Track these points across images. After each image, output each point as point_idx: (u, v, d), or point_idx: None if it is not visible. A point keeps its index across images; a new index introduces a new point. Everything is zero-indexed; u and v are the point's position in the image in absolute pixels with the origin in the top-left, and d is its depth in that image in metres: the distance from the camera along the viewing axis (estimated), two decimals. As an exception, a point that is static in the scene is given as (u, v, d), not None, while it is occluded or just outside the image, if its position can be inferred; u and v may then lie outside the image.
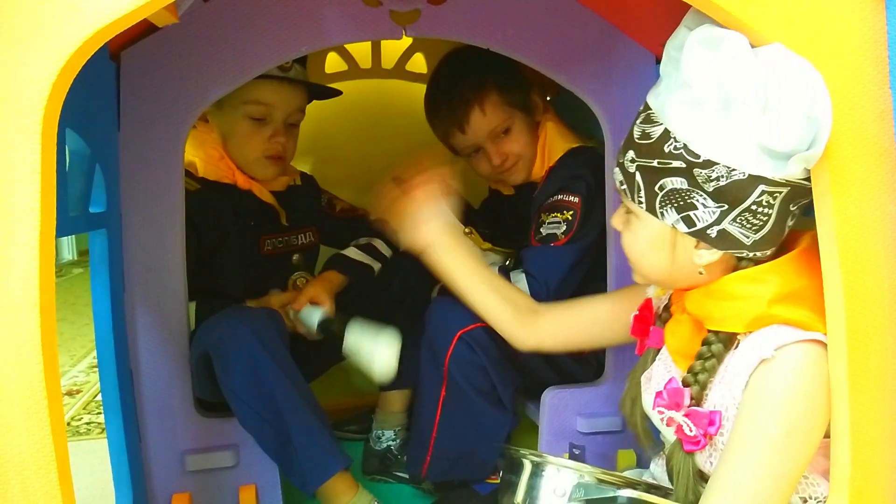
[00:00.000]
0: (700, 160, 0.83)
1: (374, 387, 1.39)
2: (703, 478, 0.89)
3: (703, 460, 0.89)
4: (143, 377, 1.26)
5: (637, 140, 0.89)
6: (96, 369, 1.25)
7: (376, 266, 1.59)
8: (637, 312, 1.07)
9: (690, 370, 0.91)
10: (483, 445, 1.40)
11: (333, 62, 1.78)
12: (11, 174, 0.62)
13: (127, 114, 1.20)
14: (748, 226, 0.85)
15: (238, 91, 1.38)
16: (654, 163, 0.87)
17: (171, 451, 1.29)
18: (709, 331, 0.90)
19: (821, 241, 0.80)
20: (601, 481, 0.89)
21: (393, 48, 1.83)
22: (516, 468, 0.94)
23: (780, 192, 0.83)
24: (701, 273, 0.90)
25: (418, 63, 1.86)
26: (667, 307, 1.02)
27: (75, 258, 5.83)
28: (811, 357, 0.81)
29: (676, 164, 0.85)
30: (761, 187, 0.82)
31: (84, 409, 2.26)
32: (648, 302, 1.06)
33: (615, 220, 0.99)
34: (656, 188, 0.87)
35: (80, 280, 4.70)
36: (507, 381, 1.40)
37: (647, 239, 0.92)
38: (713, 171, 0.83)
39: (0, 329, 0.63)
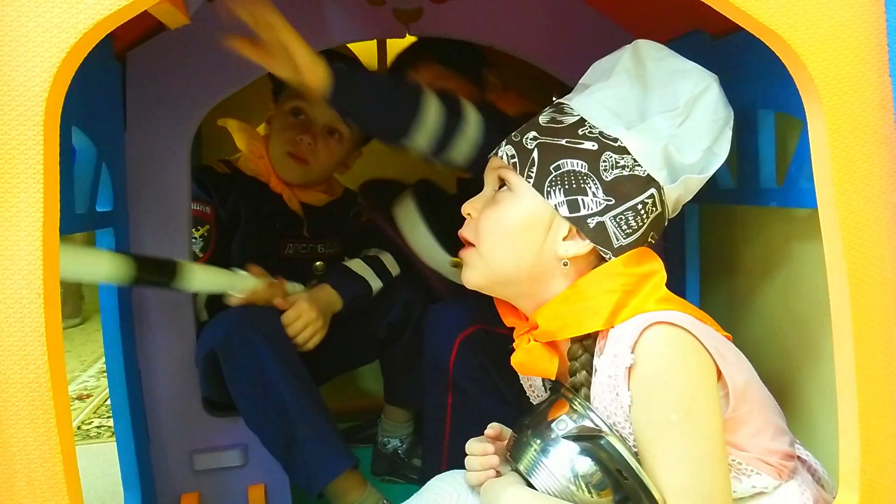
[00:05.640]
0: (616, 144, 0.89)
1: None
2: None
3: None
4: (151, 377, 1.27)
5: (543, 124, 0.93)
6: (106, 374, 1.26)
7: (376, 284, 1.52)
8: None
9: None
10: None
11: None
12: (14, 166, 0.62)
13: (133, 114, 1.21)
14: (624, 227, 0.89)
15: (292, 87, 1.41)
16: (562, 141, 0.90)
17: (180, 450, 1.30)
18: (571, 344, 0.89)
19: (823, 231, 0.79)
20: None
21: (399, 49, 1.82)
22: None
23: (657, 210, 0.90)
24: (565, 265, 0.90)
25: (423, 64, 1.85)
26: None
27: (86, 266, 5.85)
28: (663, 337, 0.81)
29: (588, 145, 0.89)
30: (651, 191, 0.89)
31: (94, 412, 2.27)
32: None
33: (469, 206, 0.97)
34: (552, 167, 0.89)
35: (91, 287, 4.71)
36: (511, 378, 1.38)
37: (520, 216, 0.91)
38: (623, 158, 0.89)
39: (4, 321, 0.63)
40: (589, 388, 0.87)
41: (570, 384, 0.89)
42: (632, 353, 0.81)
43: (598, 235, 0.89)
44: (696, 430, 0.79)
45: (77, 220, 1.02)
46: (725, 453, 0.82)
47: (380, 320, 1.53)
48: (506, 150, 0.94)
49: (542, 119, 0.94)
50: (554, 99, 0.97)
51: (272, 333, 1.27)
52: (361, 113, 1.14)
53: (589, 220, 0.88)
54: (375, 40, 1.82)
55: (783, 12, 0.75)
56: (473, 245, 0.95)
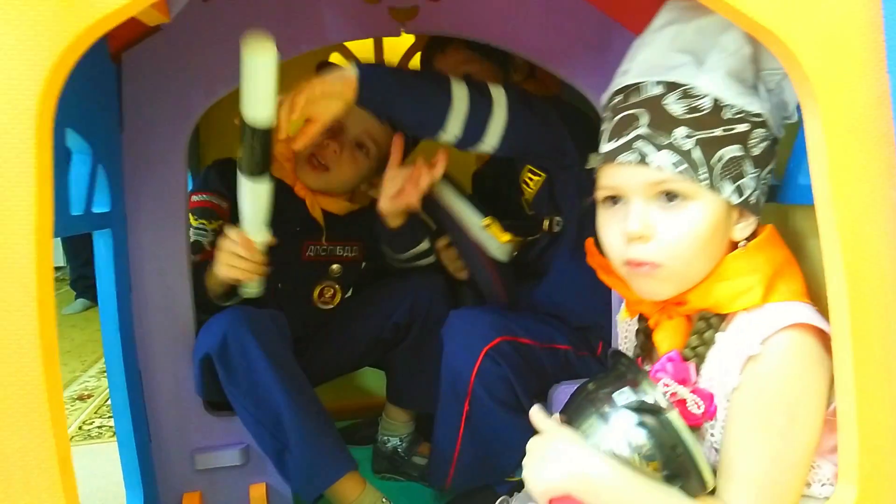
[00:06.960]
0: (760, 119, 0.86)
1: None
2: None
3: None
4: (152, 377, 1.28)
5: (684, 117, 0.85)
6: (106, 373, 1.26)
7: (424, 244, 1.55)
8: None
9: (688, 345, 0.89)
10: (506, 452, 1.36)
11: (336, 62, 1.79)
12: (6, 168, 0.62)
13: (129, 115, 1.21)
14: (764, 187, 0.89)
15: None
16: (718, 132, 0.85)
17: (181, 450, 1.31)
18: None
19: (821, 228, 0.79)
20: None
21: (395, 47, 1.83)
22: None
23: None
24: (742, 244, 0.88)
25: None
26: (641, 332, 0.99)
27: (87, 265, 5.86)
28: (797, 342, 0.81)
29: (741, 127, 0.86)
30: (775, 148, 0.90)
31: (95, 412, 2.27)
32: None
33: (643, 227, 0.86)
34: (713, 160, 0.85)
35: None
36: (530, 388, 1.37)
37: (709, 222, 0.86)
38: (766, 130, 0.87)
39: (-1, 325, 0.63)
40: (708, 347, 0.87)
41: (689, 342, 0.89)
42: (761, 343, 0.80)
43: (757, 207, 0.88)
44: (795, 436, 0.80)
45: (74, 222, 1.02)
46: (810, 464, 0.82)
47: (385, 320, 1.54)
48: (664, 157, 0.85)
49: (678, 111, 0.86)
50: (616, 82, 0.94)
51: (268, 339, 1.27)
52: (392, 106, 1.19)
53: (751, 198, 0.87)
54: (371, 39, 1.82)
55: (778, 10, 0.75)
56: (653, 264, 0.87)
